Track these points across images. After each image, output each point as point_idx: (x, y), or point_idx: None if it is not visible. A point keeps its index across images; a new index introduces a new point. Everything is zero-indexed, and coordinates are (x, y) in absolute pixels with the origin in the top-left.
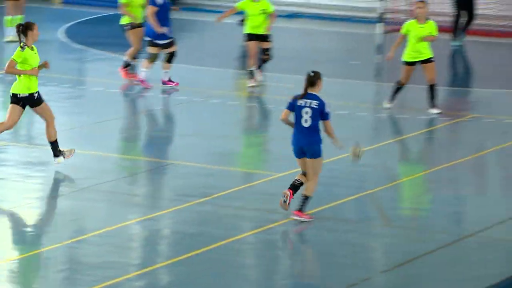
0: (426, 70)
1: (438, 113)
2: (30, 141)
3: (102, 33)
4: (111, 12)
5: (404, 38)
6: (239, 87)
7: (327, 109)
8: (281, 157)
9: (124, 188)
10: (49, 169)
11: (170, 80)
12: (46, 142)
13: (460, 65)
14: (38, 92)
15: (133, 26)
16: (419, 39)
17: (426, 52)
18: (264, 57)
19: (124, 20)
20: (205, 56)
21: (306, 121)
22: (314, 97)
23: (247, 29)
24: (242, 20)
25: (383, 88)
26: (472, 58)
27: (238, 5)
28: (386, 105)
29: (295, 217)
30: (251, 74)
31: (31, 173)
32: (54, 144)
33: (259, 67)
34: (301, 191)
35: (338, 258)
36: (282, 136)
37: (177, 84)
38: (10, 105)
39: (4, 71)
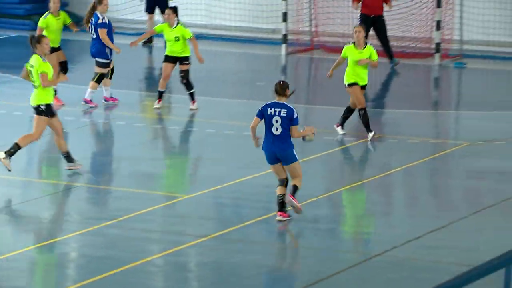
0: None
1: (343, 134)
2: None
3: (4, 55)
4: (13, 34)
5: (344, 61)
6: (145, 109)
7: (296, 114)
8: (189, 178)
9: (30, 211)
10: None
11: (111, 97)
12: None
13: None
14: (47, 105)
15: (52, 50)
16: (356, 64)
17: (364, 77)
18: (180, 79)
19: None
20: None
21: (276, 129)
22: (283, 106)
23: (166, 50)
24: (145, 42)
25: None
26: (377, 79)
27: (156, 28)
28: (371, 135)
29: (290, 202)
30: (159, 95)
31: None
32: (15, 149)
33: (190, 96)
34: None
35: (245, 279)
36: (190, 158)
37: (117, 100)
38: (37, 117)
39: (43, 86)
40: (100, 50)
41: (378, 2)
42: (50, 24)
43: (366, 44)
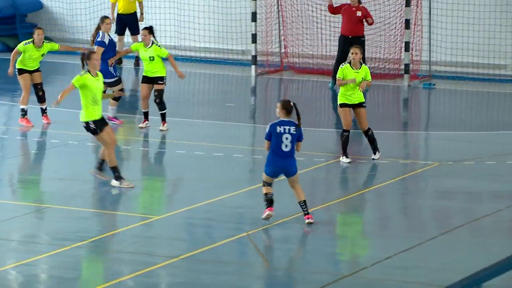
0: (357, 116)
1: (377, 158)
2: None
3: None
4: None
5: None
6: (115, 130)
7: (302, 131)
8: (160, 199)
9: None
10: None
11: (115, 117)
12: None
13: (330, 105)
14: (95, 121)
15: (25, 71)
16: (353, 85)
17: (358, 96)
18: (154, 99)
19: (17, 64)
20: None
21: (286, 146)
22: (291, 123)
23: (143, 71)
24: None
25: (258, 129)
26: None
27: (132, 46)
28: (345, 160)
29: (310, 220)
30: (144, 115)
31: None
32: (116, 171)
33: (161, 116)
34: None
35: None
36: (160, 179)
37: (122, 122)
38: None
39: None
40: (104, 70)
41: (357, 22)
42: (28, 51)
43: (361, 64)
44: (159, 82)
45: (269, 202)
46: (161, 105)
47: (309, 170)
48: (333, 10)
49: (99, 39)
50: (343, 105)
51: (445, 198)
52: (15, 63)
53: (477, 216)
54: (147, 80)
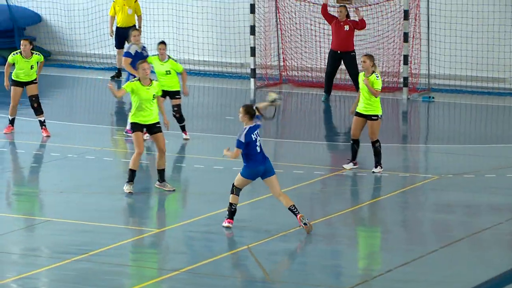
0: (368, 127)
1: (378, 172)
2: None
3: None
4: None
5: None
6: (115, 143)
7: (259, 123)
8: (160, 212)
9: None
10: None
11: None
12: None
13: (329, 119)
14: (131, 123)
15: (19, 83)
16: (368, 96)
17: (373, 108)
18: (173, 113)
19: (12, 76)
20: (78, 112)
21: (258, 146)
22: (258, 127)
23: None
24: (113, 77)
25: None
26: (346, 112)
27: (148, 58)
28: (345, 165)
29: (304, 220)
30: None
31: None
32: (131, 175)
33: (181, 128)
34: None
35: None
36: (160, 192)
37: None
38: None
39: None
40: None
41: (345, 37)
42: (17, 62)
43: (373, 72)
44: (176, 96)
45: (231, 213)
46: (181, 118)
47: (309, 184)
48: (325, 13)
49: (125, 49)
50: (356, 114)
51: (445, 211)
52: (10, 75)
53: (476, 229)
54: (162, 93)
